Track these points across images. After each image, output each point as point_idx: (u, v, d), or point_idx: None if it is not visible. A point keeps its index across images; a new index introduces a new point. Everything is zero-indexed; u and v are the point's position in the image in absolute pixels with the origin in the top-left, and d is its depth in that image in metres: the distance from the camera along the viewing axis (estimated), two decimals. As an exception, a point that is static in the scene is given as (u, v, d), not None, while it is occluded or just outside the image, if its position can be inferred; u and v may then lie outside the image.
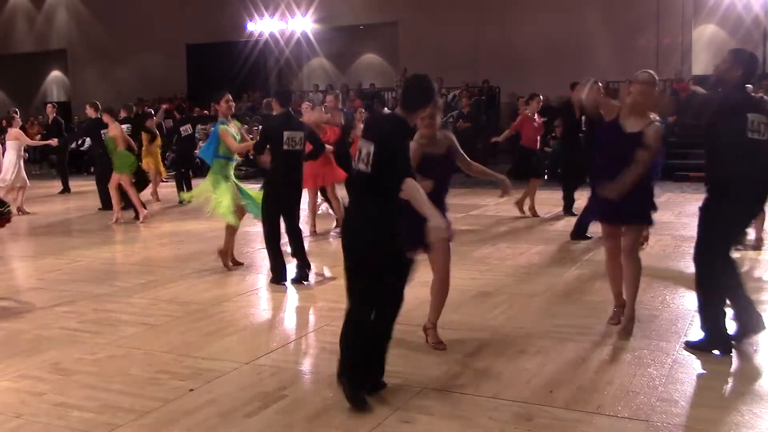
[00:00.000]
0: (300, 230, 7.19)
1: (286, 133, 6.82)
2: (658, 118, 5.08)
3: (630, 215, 5.11)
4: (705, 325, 4.87)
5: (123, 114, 13.03)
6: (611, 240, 5.32)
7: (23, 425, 4.00)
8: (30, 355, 5.12)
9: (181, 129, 14.07)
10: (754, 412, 3.98)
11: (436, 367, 4.68)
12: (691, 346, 4.90)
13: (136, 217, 11.54)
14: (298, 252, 7.11)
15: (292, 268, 7.17)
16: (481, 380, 4.45)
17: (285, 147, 6.83)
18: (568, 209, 10.78)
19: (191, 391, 4.39)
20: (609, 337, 5.22)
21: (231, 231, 7.69)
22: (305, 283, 7.03)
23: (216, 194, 7.48)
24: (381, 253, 4.02)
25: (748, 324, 4.91)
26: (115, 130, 11.14)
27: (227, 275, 7.51)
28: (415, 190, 3.88)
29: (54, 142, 14.38)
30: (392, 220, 4.02)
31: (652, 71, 5.11)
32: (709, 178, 4.80)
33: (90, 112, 12.55)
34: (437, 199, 4.40)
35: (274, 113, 7.20)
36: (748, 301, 4.97)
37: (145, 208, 11.56)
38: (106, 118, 11.40)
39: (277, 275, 7.06)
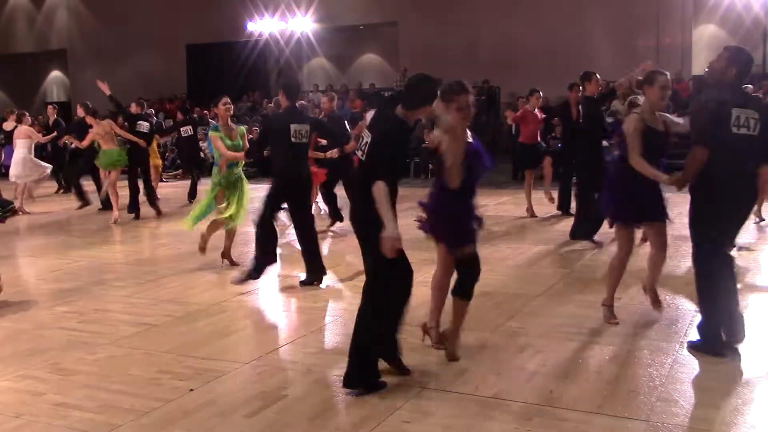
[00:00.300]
0: (314, 229, 7.10)
1: (293, 126, 6.82)
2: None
3: (661, 213, 5.38)
4: (701, 327, 4.87)
5: (136, 110, 12.87)
6: (630, 241, 5.50)
7: (23, 425, 4.00)
8: (30, 355, 5.12)
9: (181, 129, 14.03)
10: (754, 412, 3.99)
11: (436, 367, 4.68)
12: (690, 346, 4.90)
13: (136, 217, 11.57)
14: (312, 253, 7.01)
15: (284, 271, 7.16)
16: (481, 380, 4.45)
17: (293, 139, 6.83)
18: (565, 209, 10.79)
19: (191, 391, 4.39)
20: (609, 337, 5.22)
21: (229, 232, 7.78)
22: (316, 284, 6.95)
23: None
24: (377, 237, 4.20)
25: (733, 331, 4.86)
26: (98, 130, 11.21)
27: (227, 275, 7.51)
28: (379, 194, 4.10)
29: (55, 134, 14.51)
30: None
31: (666, 72, 5.28)
32: (700, 177, 4.72)
33: (80, 112, 12.65)
34: (470, 190, 4.69)
35: (282, 106, 7.22)
36: (736, 307, 4.90)
37: (136, 210, 11.66)
38: (89, 120, 11.47)
39: (257, 267, 6.80)
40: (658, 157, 5.16)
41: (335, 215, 10.27)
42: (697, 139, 4.71)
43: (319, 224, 10.19)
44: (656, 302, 5.69)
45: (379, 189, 4.10)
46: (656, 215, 5.38)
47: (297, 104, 7.23)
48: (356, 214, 4.48)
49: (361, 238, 4.38)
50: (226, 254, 7.89)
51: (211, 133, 7.59)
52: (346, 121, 10.90)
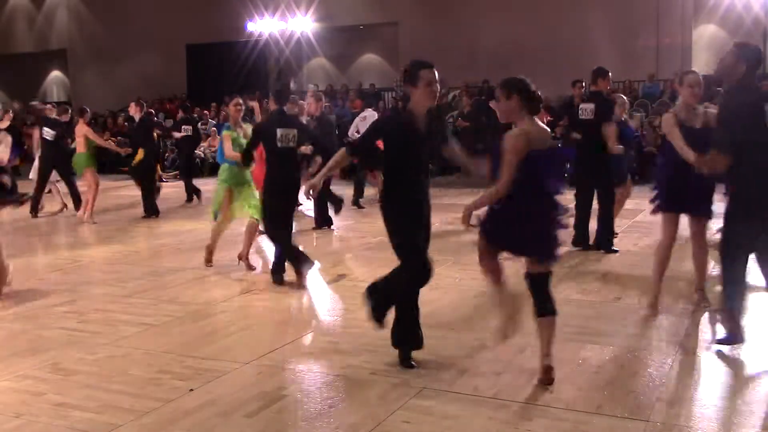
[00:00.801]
0: (287, 233, 7.01)
1: (279, 131, 6.80)
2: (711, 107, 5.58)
3: (698, 206, 5.58)
4: (725, 322, 4.87)
5: (135, 110, 12.34)
6: (671, 230, 5.75)
7: (23, 425, 4.00)
8: (30, 355, 5.12)
9: (182, 128, 14.01)
10: (754, 411, 3.98)
11: (436, 367, 4.68)
12: (718, 342, 4.90)
13: (156, 215, 11.79)
14: (283, 255, 7.04)
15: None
16: (481, 380, 4.45)
17: (279, 144, 6.82)
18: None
19: (191, 391, 4.39)
20: (609, 337, 5.23)
21: (218, 231, 7.74)
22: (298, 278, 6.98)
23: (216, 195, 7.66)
24: (392, 225, 4.59)
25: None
26: (80, 129, 11.45)
27: (227, 275, 7.51)
28: (334, 156, 4.76)
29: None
30: (399, 200, 4.58)
31: (695, 70, 5.69)
32: (736, 174, 4.66)
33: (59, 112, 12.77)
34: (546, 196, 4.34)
35: (270, 110, 7.24)
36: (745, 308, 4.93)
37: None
38: (81, 122, 11.66)
39: (302, 263, 6.93)
40: (679, 159, 5.33)
41: (325, 219, 10.25)
42: (720, 147, 4.65)
43: (303, 225, 10.24)
44: (702, 300, 5.84)
45: (337, 153, 4.72)
46: (694, 209, 5.60)
47: (285, 108, 7.20)
48: (381, 203, 4.74)
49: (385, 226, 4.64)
50: (243, 256, 7.72)
51: (224, 133, 7.55)
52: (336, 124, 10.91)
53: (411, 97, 4.57)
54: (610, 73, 8.37)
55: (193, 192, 13.76)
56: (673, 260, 7.72)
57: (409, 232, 4.58)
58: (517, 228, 4.29)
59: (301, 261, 6.93)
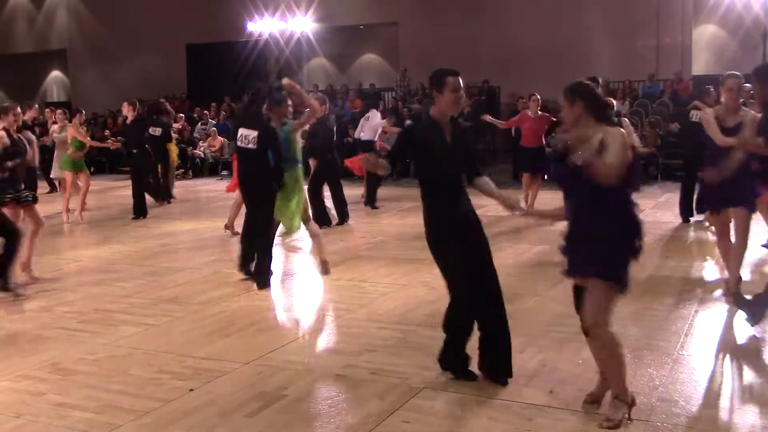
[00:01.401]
0: (256, 237, 6.96)
1: (240, 130, 6.89)
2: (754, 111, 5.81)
3: (733, 200, 5.75)
4: None
5: (128, 109, 12.06)
6: (720, 227, 6.18)
7: (23, 425, 4.00)
8: (30, 355, 5.13)
9: (151, 129, 13.50)
10: (754, 411, 3.99)
11: (436, 367, 4.67)
12: None
13: (144, 216, 11.72)
14: (246, 257, 7.06)
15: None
16: (481, 380, 4.44)
17: (237, 143, 6.93)
18: None
19: (191, 391, 4.39)
20: (609, 337, 5.22)
21: (314, 231, 7.47)
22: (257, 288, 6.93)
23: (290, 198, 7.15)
24: (434, 241, 4.42)
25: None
26: (72, 132, 11.61)
27: (227, 275, 7.51)
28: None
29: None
30: (433, 210, 4.42)
31: (737, 73, 5.89)
32: None
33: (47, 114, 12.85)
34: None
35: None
36: None
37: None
38: (73, 122, 11.80)
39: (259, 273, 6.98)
40: (722, 150, 5.55)
41: (324, 220, 10.25)
42: None
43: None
44: (728, 294, 5.90)
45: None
46: (735, 201, 5.77)
47: (264, 109, 6.98)
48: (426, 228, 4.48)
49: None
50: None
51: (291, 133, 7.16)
52: (335, 127, 10.88)
53: (435, 102, 4.39)
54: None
55: (165, 191, 13.66)
56: (674, 259, 7.75)
57: (452, 254, 4.40)
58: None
59: (259, 269, 6.95)
